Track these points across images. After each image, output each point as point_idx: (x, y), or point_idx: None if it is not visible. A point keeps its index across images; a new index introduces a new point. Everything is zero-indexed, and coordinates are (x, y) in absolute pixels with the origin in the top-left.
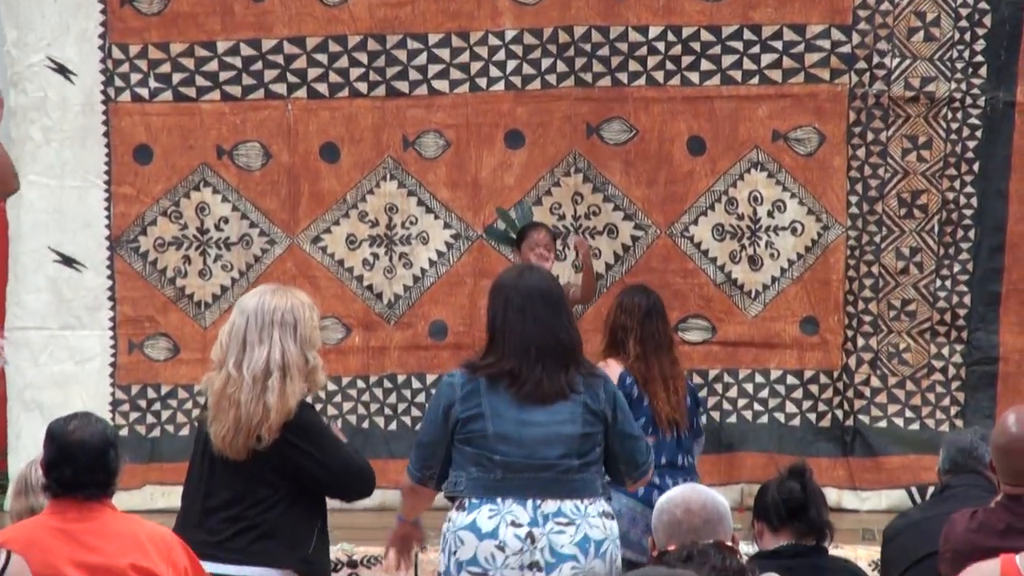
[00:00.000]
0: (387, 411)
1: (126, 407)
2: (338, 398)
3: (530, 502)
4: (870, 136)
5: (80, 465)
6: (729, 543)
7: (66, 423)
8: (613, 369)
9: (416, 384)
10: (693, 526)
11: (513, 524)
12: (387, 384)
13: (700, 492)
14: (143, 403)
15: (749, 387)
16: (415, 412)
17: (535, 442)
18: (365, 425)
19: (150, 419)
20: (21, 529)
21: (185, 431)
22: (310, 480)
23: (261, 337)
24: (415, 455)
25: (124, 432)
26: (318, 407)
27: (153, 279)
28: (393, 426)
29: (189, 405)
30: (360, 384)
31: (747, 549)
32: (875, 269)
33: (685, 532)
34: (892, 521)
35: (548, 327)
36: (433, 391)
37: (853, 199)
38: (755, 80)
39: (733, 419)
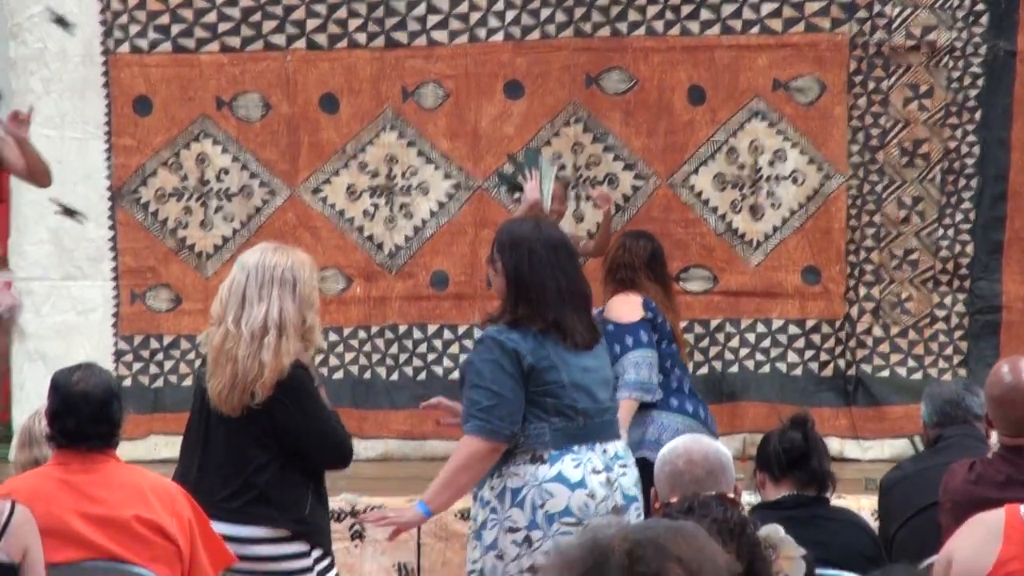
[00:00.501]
0: (388, 361)
1: (129, 357)
2: (340, 348)
3: (599, 446)
4: (871, 85)
5: (84, 416)
6: (731, 495)
7: (70, 374)
8: (633, 299)
9: (417, 334)
10: (695, 477)
11: (594, 471)
12: (388, 334)
13: (702, 443)
14: (146, 353)
15: (751, 337)
16: (416, 362)
17: (595, 387)
18: (367, 375)
19: (153, 369)
20: (25, 480)
21: (188, 381)
22: (290, 442)
23: (260, 294)
24: (498, 413)
25: (128, 383)
26: (319, 359)
27: (154, 230)
28: (395, 376)
29: (192, 355)
30: (361, 334)
31: (750, 499)
32: (877, 218)
33: (687, 483)
34: (888, 473)
35: (574, 278)
36: (435, 342)
37: (854, 148)
38: (755, 29)
39: (735, 369)
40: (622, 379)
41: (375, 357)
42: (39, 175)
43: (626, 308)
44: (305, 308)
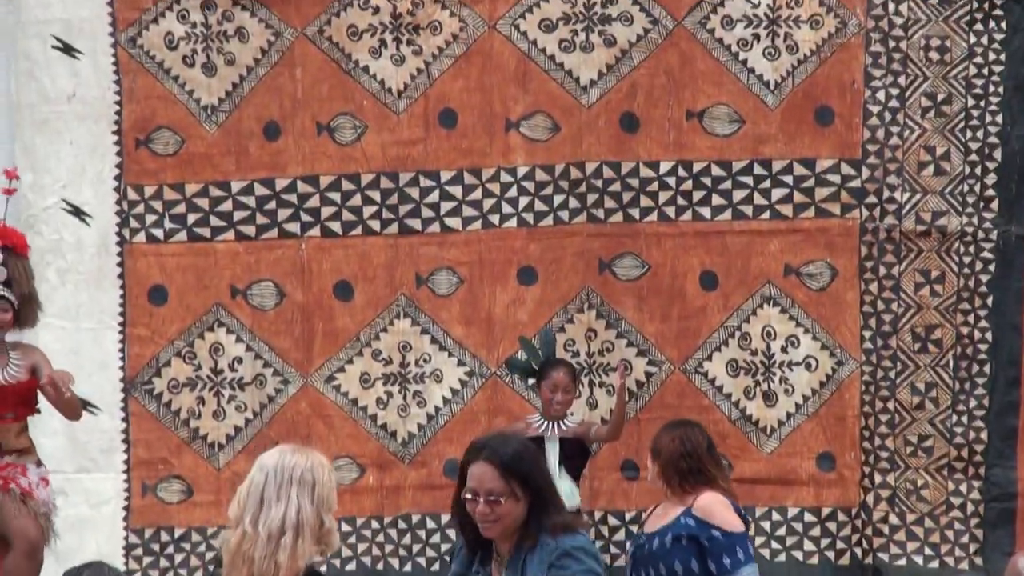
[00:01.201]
0: (402, 552)
1: (139, 551)
2: (352, 539)
3: None
4: (882, 270)
5: None
6: None
7: (79, 573)
8: (725, 501)
9: (431, 524)
10: None
11: None
12: (401, 524)
13: None
14: (156, 547)
15: (767, 525)
16: (430, 552)
17: None
18: (380, 567)
19: (164, 563)
20: None
21: (199, 574)
22: None
23: (279, 495)
24: None
25: None
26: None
27: (167, 421)
28: (408, 567)
29: (203, 548)
30: (375, 524)
31: None
32: (891, 405)
33: None
34: None
35: None
36: (449, 532)
37: (867, 334)
38: (766, 215)
39: None
40: None
41: (388, 548)
42: (69, 413)
43: (729, 513)
44: (323, 510)
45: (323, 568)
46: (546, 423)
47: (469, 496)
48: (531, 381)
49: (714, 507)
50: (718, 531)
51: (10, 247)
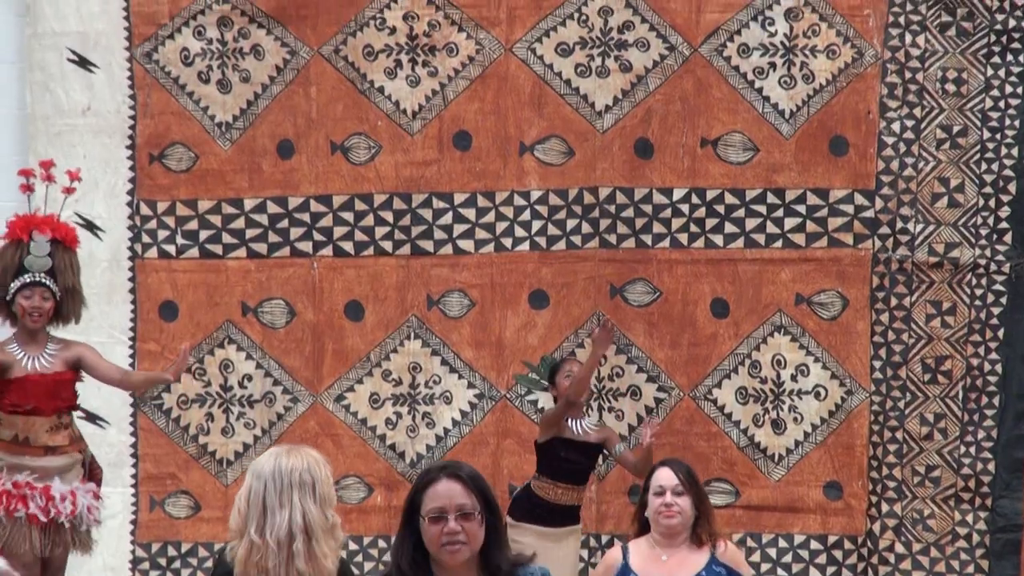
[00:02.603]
0: None
1: (146, 565)
2: (359, 558)
3: None
4: (894, 301)
5: None
6: None
7: None
8: (734, 545)
9: None
10: None
11: None
12: None
13: None
14: (163, 561)
15: (773, 552)
16: None
17: None
18: None
19: None
20: None
21: None
22: None
23: (281, 501)
24: None
25: None
26: None
27: (176, 436)
28: None
29: (209, 563)
30: (382, 544)
31: None
32: (899, 435)
33: None
34: None
35: None
36: None
37: (877, 364)
38: (778, 243)
39: None
40: None
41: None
42: (141, 391)
43: (741, 557)
44: (327, 507)
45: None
46: (573, 422)
47: (433, 517)
48: (541, 395)
49: (738, 555)
50: None
51: (59, 240)
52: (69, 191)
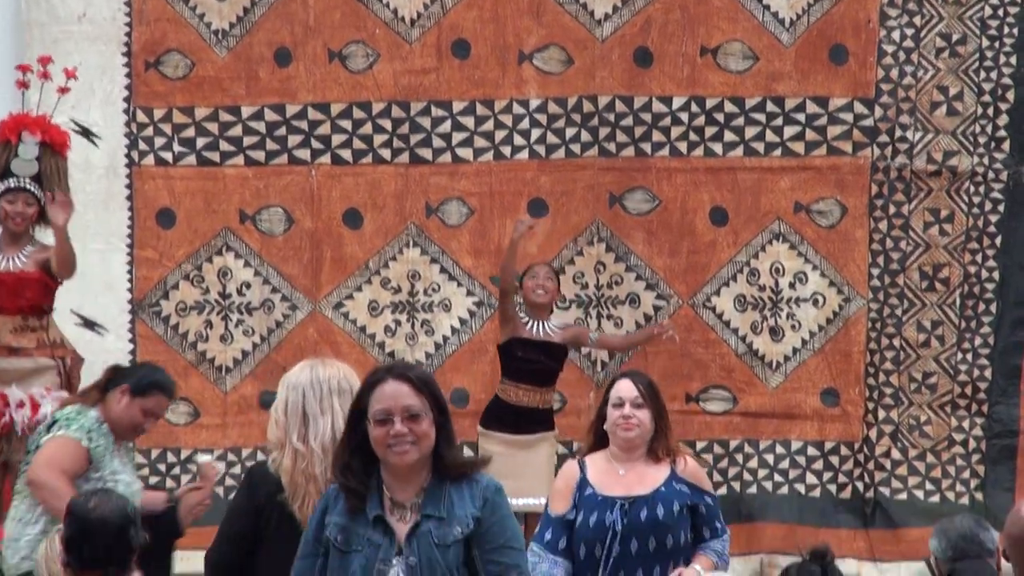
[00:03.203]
0: None
1: (146, 471)
2: None
3: None
4: (892, 209)
5: (100, 542)
6: None
7: (86, 500)
8: (694, 461)
9: None
10: None
11: None
12: None
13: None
14: (162, 467)
15: (770, 458)
16: None
17: None
18: None
19: (170, 483)
20: None
21: None
22: None
23: (322, 407)
24: None
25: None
26: None
27: (174, 343)
28: None
29: None
30: None
31: None
32: (896, 342)
33: None
34: None
35: None
36: None
37: (875, 271)
38: (778, 152)
39: (753, 490)
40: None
41: None
42: (62, 264)
43: (702, 473)
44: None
45: None
46: (532, 321)
47: (380, 419)
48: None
49: (700, 471)
50: (709, 496)
51: (47, 143)
52: (64, 91)
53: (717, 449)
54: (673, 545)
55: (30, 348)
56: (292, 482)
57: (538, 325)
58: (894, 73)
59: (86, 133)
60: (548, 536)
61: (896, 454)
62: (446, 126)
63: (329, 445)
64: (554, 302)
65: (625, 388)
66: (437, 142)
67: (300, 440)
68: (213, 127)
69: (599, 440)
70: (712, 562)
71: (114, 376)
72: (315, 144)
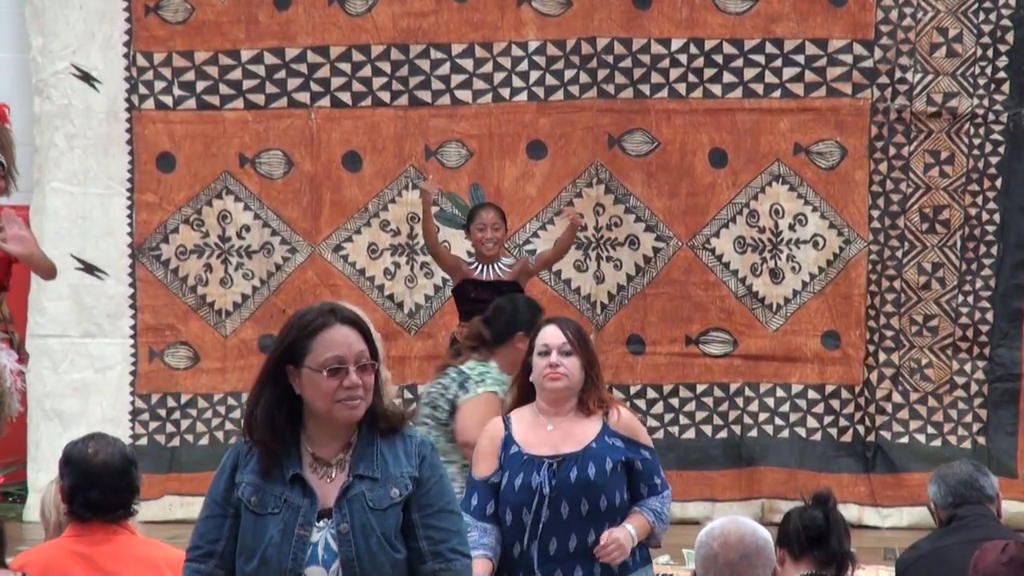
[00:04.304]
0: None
1: (146, 416)
2: None
3: None
4: (892, 151)
5: (105, 487)
6: None
7: (84, 446)
8: (628, 412)
9: None
10: (729, 560)
11: None
12: (407, 394)
13: (740, 525)
14: (163, 412)
15: (770, 401)
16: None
17: None
18: None
19: (170, 428)
20: (40, 553)
21: (204, 440)
22: None
23: None
24: None
25: (144, 441)
26: None
27: (174, 287)
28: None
29: (209, 415)
30: None
31: None
32: (897, 284)
33: (721, 566)
34: (903, 554)
35: None
36: None
37: (875, 213)
38: (777, 93)
39: (754, 433)
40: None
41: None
42: (47, 276)
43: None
44: (381, 359)
45: None
46: (480, 265)
47: (332, 369)
48: (464, 234)
49: (634, 423)
50: (646, 450)
51: None
52: None
53: (717, 392)
54: (608, 507)
55: None
56: None
57: (487, 267)
58: (893, 15)
59: (86, 78)
60: (475, 501)
61: (897, 398)
62: (445, 68)
63: None
64: (502, 244)
65: (551, 335)
66: (436, 84)
67: None
68: (213, 71)
69: (526, 394)
70: (647, 521)
71: (496, 327)
72: (314, 87)
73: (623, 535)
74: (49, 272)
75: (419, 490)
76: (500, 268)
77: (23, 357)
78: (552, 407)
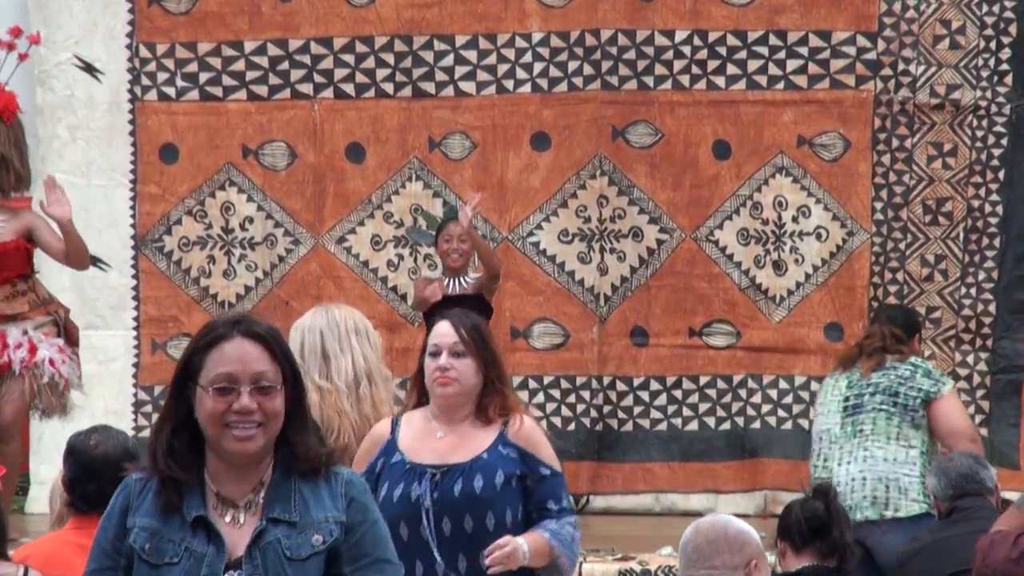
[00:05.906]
0: None
1: (148, 408)
2: None
3: None
4: (895, 143)
5: (105, 479)
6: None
7: (87, 438)
8: (537, 425)
9: None
10: (697, 544)
11: None
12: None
13: (718, 516)
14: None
15: (773, 393)
16: None
17: None
18: None
19: None
20: (42, 545)
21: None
22: None
23: (341, 347)
24: None
25: (146, 433)
26: None
27: (177, 279)
28: None
29: None
30: None
31: (772, 559)
32: (900, 276)
33: (690, 551)
34: (903, 547)
35: None
36: None
37: (878, 205)
38: (780, 85)
39: (757, 425)
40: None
41: (397, 409)
42: (76, 260)
43: (550, 445)
44: (379, 356)
45: None
46: (449, 279)
47: (219, 388)
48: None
49: (535, 434)
50: (545, 467)
51: None
52: (23, 58)
53: (720, 384)
54: (496, 525)
55: (25, 311)
56: (324, 416)
57: (453, 280)
58: (897, 6)
59: (89, 69)
60: None
61: None
62: (449, 60)
63: (352, 383)
64: (469, 257)
65: (442, 332)
66: (440, 76)
67: (323, 378)
68: (216, 62)
69: (423, 396)
70: (544, 540)
71: None
72: (318, 78)
73: (513, 546)
74: (81, 256)
75: (349, 538)
76: (465, 281)
77: (72, 331)
78: (444, 413)
